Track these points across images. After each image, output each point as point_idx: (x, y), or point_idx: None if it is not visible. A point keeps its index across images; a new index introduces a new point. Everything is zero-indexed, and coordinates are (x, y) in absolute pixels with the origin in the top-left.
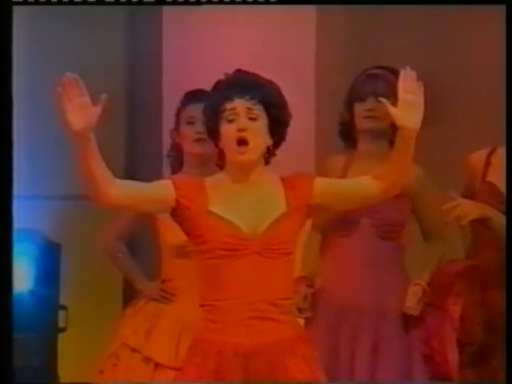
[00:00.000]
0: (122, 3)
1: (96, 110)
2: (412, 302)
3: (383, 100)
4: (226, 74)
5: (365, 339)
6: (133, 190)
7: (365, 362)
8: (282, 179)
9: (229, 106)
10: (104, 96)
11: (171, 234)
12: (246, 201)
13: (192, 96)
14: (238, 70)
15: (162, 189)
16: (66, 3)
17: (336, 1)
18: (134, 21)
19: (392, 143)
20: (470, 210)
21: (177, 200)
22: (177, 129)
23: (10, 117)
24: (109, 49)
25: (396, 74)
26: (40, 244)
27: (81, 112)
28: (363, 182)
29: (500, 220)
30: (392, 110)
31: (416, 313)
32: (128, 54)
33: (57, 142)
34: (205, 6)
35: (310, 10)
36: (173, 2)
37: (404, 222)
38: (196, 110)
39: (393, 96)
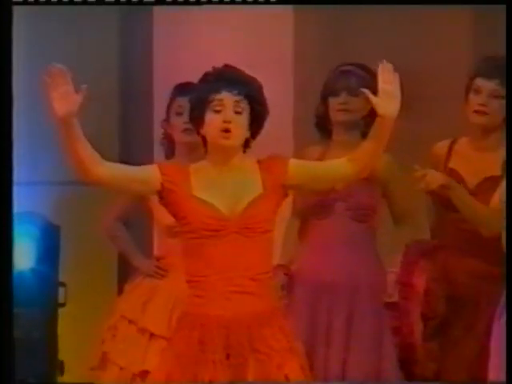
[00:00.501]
0: (122, 3)
1: (78, 98)
2: (390, 289)
3: (365, 91)
4: (213, 67)
5: (340, 312)
6: (120, 171)
7: (340, 333)
8: (258, 162)
9: (216, 97)
10: (84, 86)
11: (163, 215)
12: (225, 185)
13: (181, 88)
14: (226, 65)
15: (149, 172)
16: (65, 3)
17: (336, 1)
18: (126, 20)
19: (364, 134)
20: (437, 177)
21: (162, 184)
22: (167, 120)
23: (10, 111)
24: (104, 47)
25: (366, 70)
26: (41, 226)
27: (64, 99)
28: (336, 163)
29: (461, 192)
30: (373, 99)
31: (394, 298)
32: (121, 52)
33: (56, 130)
34: (195, 7)
35: (288, 10)
36: (172, 1)
37: (375, 205)
38: (184, 102)
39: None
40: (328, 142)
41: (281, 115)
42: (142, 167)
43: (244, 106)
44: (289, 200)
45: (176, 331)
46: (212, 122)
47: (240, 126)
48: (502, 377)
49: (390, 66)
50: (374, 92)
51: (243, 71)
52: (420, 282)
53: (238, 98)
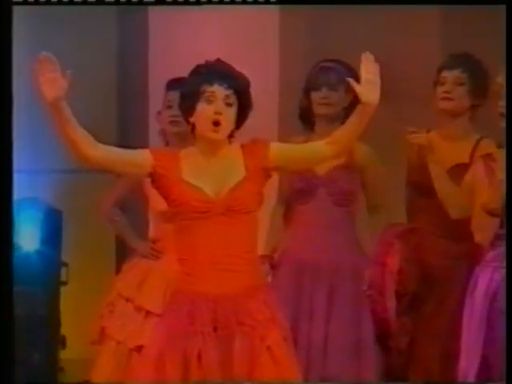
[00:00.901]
0: (122, 3)
1: (64, 83)
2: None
3: (350, 80)
4: (206, 61)
5: (321, 290)
6: (114, 153)
7: (322, 308)
8: (242, 146)
9: (209, 88)
10: (69, 72)
11: (158, 201)
12: (211, 171)
13: (172, 83)
14: (218, 60)
15: (141, 156)
16: (65, 3)
17: (336, 1)
18: (123, 19)
19: None
20: (425, 138)
21: (154, 168)
22: (160, 112)
23: (9, 111)
24: (102, 45)
25: (345, 65)
26: (44, 211)
27: (52, 84)
28: (315, 146)
29: (437, 166)
30: (356, 87)
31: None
32: (119, 49)
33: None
34: (189, 7)
35: (274, 9)
36: (173, 1)
37: (355, 191)
38: (173, 96)
39: (342, 84)
40: (311, 133)
41: (267, 108)
42: (135, 151)
43: (233, 99)
44: (274, 187)
45: (167, 306)
46: (204, 111)
47: (229, 118)
48: (474, 353)
49: (371, 57)
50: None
51: (233, 67)
52: (394, 261)
53: (228, 91)
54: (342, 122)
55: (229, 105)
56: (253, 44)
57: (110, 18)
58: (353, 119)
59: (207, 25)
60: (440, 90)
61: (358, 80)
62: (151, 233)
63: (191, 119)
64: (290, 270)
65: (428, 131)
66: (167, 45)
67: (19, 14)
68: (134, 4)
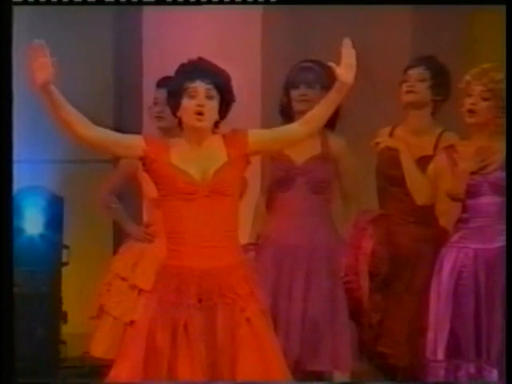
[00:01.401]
0: (122, 3)
1: (52, 69)
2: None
3: (331, 64)
4: (189, 60)
5: (300, 269)
6: (107, 134)
7: (300, 287)
8: (223, 136)
9: (191, 85)
10: (54, 59)
11: (150, 189)
12: (197, 157)
13: (161, 82)
14: (200, 58)
15: (134, 139)
16: (65, 3)
17: (336, 1)
18: (119, 19)
19: None
20: (389, 140)
21: (145, 152)
22: (150, 108)
23: (10, 111)
24: (99, 44)
25: (322, 66)
26: (47, 197)
27: (43, 69)
28: (290, 127)
29: (408, 155)
30: (337, 69)
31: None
32: (115, 48)
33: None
34: (185, 8)
35: (257, 10)
36: (173, 2)
37: (330, 180)
38: (159, 93)
39: (319, 83)
40: None
41: (250, 104)
42: (129, 135)
43: (214, 93)
44: (257, 178)
45: (157, 280)
46: (188, 105)
47: (211, 109)
48: (441, 327)
49: (350, 43)
50: (329, 84)
51: (214, 63)
52: (367, 244)
53: (209, 86)
54: None
55: (210, 98)
56: (238, 44)
57: (106, 18)
58: (329, 96)
59: (196, 24)
60: (405, 85)
61: (332, 79)
62: (145, 218)
63: (178, 114)
64: (272, 253)
65: (394, 128)
66: (159, 43)
67: (19, 13)
68: (134, 4)
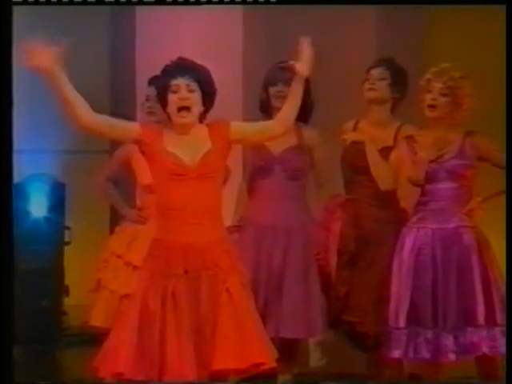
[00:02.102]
0: (122, 3)
1: (57, 49)
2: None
3: (291, 62)
4: (171, 60)
5: (278, 248)
6: (106, 119)
7: (278, 262)
8: (207, 125)
9: (173, 82)
10: (65, 39)
11: (144, 176)
12: (186, 144)
13: (152, 79)
14: (180, 58)
15: (130, 124)
16: (65, 3)
17: (337, 1)
18: (114, 19)
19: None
20: (355, 135)
21: (141, 136)
22: (143, 104)
23: (10, 110)
24: (95, 44)
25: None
26: (51, 184)
27: (45, 53)
28: (268, 124)
29: (372, 147)
30: (297, 66)
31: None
32: (110, 47)
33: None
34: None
35: (238, 10)
36: (173, 2)
37: (305, 168)
38: (151, 90)
39: None
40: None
41: (232, 101)
42: (125, 121)
43: (195, 87)
44: (239, 165)
45: (149, 253)
46: (172, 100)
47: (194, 102)
48: (402, 297)
49: (307, 40)
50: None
51: (194, 61)
52: (336, 226)
53: (188, 81)
54: None
55: (191, 91)
56: (220, 43)
57: (102, 18)
58: (292, 88)
59: (185, 24)
60: (367, 83)
61: (307, 77)
62: (138, 202)
63: (167, 110)
64: (252, 234)
65: (357, 122)
66: (151, 42)
67: (19, 14)
68: (133, 4)
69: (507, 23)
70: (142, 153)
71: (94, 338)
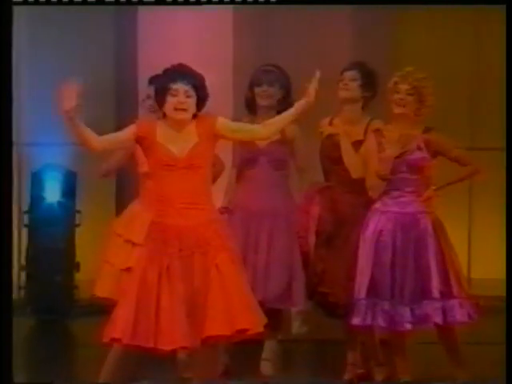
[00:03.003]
0: (122, 3)
1: (77, 101)
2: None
3: (307, 85)
4: (171, 65)
5: (264, 229)
6: (109, 140)
7: (264, 243)
8: (195, 119)
9: (173, 86)
10: (79, 85)
11: (143, 165)
12: (176, 137)
13: (152, 79)
14: (180, 64)
15: (128, 131)
16: (65, 3)
17: (337, 1)
18: (117, 19)
19: (278, 113)
20: (330, 128)
21: (137, 134)
22: (144, 100)
23: (10, 106)
24: (99, 44)
25: (280, 69)
26: (63, 172)
27: (69, 100)
28: (255, 127)
29: (345, 140)
30: (309, 89)
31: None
32: (114, 47)
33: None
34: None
35: (228, 11)
36: (173, 1)
37: (287, 159)
38: (150, 89)
39: (278, 82)
40: (254, 117)
41: (223, 100)
42: (124, 130)
43: (192, 92)
44: (229, 156)
45: (147, 235)
46: (171, 102)
47: (190, 106)
48: (365, 272)
49: (319, 74)
50: (285, 83)
51: (191, 68)
52: (315, 210)
53: (187, 87)
54: (277, 110)
55: (189, 96)
56: (211, 45)
57: (106, 18)
58: (292, 111)
59: (181, 25)
60: (341, 84)
61: (288, 79)
62: (140, 189)
63: (163, 108)
64: (241, 217)
65: (332, 118)
66: (152, 42)
67: (20, 13)
68: (133, 4)
69: (507, 23)
70: (139, 145)
71: (101, 309)
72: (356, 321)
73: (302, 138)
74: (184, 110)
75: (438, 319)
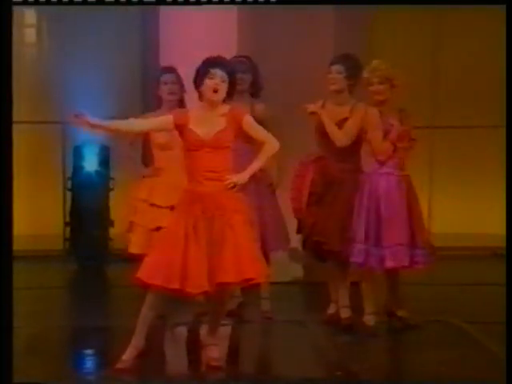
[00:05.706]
0: (122, 3)
1: (91, 122)
2: None
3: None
4: (211, 55)
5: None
6: (149, 126)
7: (266, 200)
8: (229, 109)
9: (212, 70)
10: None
11: (158, 136)
12: (206, 122)
13: (165, 68)
14: (219, 55)
15: (165, 121)
16: (65, 3)
17: (337, 1)
18: (143, 19)
19: (251, 95)
20: (313, 106)
21: (175, 122)
22: (157, 87)
23: (10, 106)
24: (124, 42)
25: (250, 59)
26: (99, 146)
27: (85, 125)
28: (269, 143)
29: (326, 115)
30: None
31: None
32: (140, 42)
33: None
34: (204, 7)
35: (233, 11)
36: (173, 1)
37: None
38: (169, 77)
39: (250, 72)
40: (230, 100)
41: None
42: (161, 119)
43: (225, 78)
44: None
45: (179, 201)
46: (208, 84)
47: (222, 89)
48: (359, 226)
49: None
50: (255, 72)
51: (226, 58)
52: (309, 175)
53: (222, 73)
54: (249, 92)
55: (223, 81)
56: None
57: (132, 19)
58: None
59: (194, 24)
60: (329, 77)
61: (256, 68)
62: (154, 160)
63: (200, 89)
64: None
65: (324, 102)
66: (172, 39)
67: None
68: (134, 4)
69: (507, 23)
70: (177, 131)
71: (131, 258)
72: (357, 259)
73: (272, 115)
74: (218, 91)
75: (406, 262)
